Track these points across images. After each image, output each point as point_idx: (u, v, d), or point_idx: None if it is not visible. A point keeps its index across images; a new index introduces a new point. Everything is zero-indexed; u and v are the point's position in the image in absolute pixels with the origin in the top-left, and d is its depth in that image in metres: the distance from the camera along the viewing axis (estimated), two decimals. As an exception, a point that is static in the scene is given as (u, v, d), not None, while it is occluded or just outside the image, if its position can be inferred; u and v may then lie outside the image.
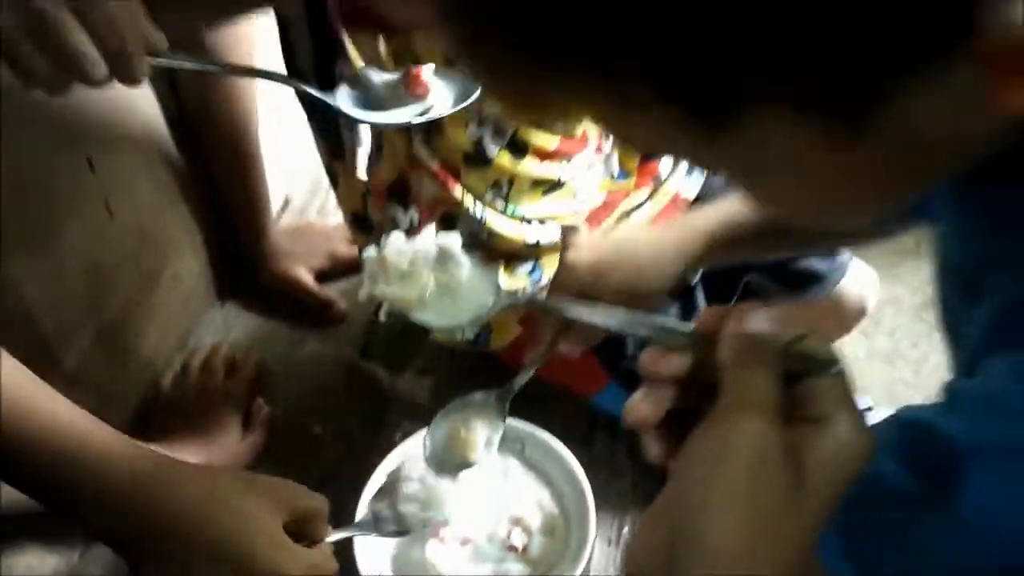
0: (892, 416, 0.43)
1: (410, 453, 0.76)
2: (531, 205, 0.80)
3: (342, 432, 0.92)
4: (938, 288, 0.51)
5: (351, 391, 0.95)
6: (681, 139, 0.34)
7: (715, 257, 0.74)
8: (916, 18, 0.28)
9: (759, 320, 0.40)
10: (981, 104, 0.30)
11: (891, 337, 1.34)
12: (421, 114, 0.64)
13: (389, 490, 0.72)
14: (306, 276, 1.04)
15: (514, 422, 0.76)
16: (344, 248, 1.06)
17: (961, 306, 0.47)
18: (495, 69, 0.36)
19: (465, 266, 0.58)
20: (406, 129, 0.75)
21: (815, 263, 0.97)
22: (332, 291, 1.04)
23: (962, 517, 0.37)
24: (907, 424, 0.41)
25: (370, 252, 0.58)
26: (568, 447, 0.77)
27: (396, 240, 0.58)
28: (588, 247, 0.71)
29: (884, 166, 0.35)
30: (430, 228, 0.58)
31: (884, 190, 0.39)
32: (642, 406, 0.42)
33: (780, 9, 0.28)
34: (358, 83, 0.65)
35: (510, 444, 0.79)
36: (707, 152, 0.37)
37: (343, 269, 1.06)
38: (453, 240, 0.58)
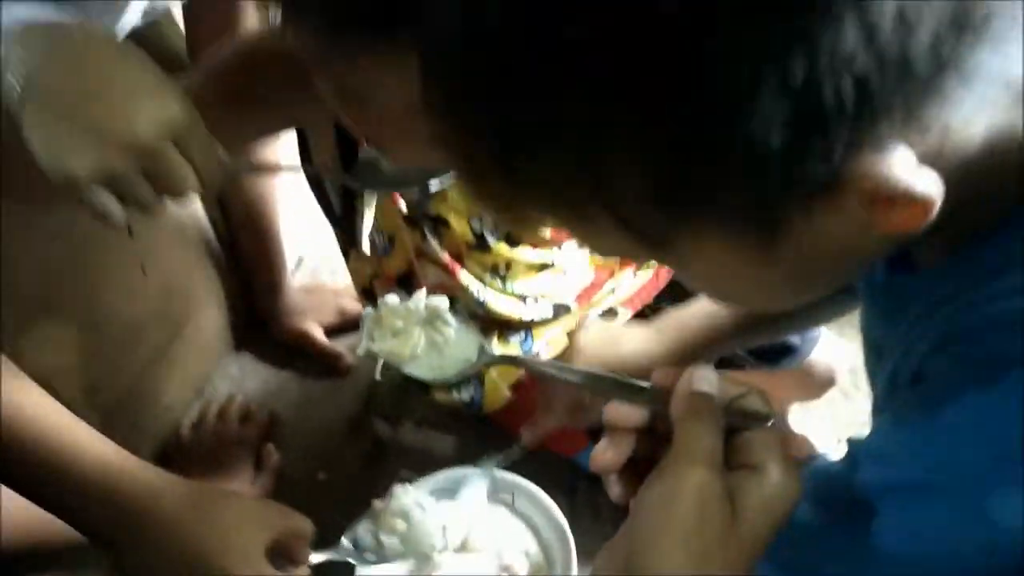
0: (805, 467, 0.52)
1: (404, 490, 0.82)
2: (527, 282, 0.89)
3: (344, 478, 1.00)
4: (864, 351, 0.60)
5: (354, 440, 1.04)
6: (635, 251, 0.43)
7: (704, 355, 0.83)
8: (795, 172, 0.37)
9: (705, 380, 0.48)
10: (868, 224, 0.38)
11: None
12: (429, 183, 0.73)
13: (374, 519, 0.77)
14: (316, 331, 1.12)
15: (505, 475, 0.84)
16: (352, 306, 1.14)
17: (873, 368, 0.56)
18: (471, 180, 0.45)
19: (452, 325, 0.67)
20: (417, 226, 0.85)
21: (788, 336, 1.05)
22: (340, 345, 1.12)
23: (875, 544, 0.45)
24: (816, 472, 0.49)
25: (368, 311, 0.66)
26: (553, 497, 0.85)
27: (391, 301, 0.66)
28: (593, 339, 0.78)
29: (798, 270, 0.44)
30: (421, 291, 0.67)
31: (802, 287, 0.48)
32: (606, 453, 0.50)
33: (702, 162, 0.37)
34: (374, 166, 0.74)
35: (501, 496, 0.87)
36: (659, 260, 0.46)
37: (351, 325, 1.14)
38: (441, 301, 0.66)
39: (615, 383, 0.53)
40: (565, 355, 0.79)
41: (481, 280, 0.87)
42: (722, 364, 1.05)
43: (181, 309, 1.01)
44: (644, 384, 0.50)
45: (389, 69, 0.53)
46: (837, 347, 1.10)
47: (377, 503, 0.76)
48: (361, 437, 1.03)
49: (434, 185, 0.73)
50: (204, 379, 1.08)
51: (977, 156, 0.40)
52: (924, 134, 0.36)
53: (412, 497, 0.75)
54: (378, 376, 0.70)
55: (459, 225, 0.84)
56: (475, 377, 0.93)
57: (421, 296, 0.66)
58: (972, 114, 0.38)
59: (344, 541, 0.76)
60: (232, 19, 1.00)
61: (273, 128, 0.79)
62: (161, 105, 0.56)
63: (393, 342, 0.66)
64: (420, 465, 0.86)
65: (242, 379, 1.10)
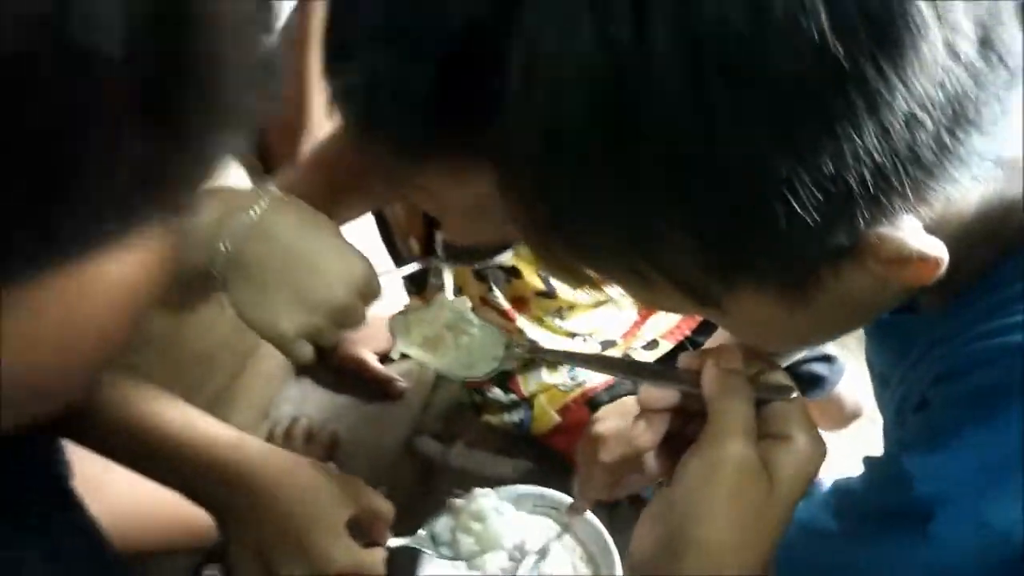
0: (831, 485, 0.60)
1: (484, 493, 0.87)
2: (581, 319, 0.97)
3: (397, 496, 1.08)
4: (871, 380, 0.68)
5: (407, 459, 1.12)
6: (685, 307, 0.51)
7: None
8: (824, 242, 0.44)
9: (731, 358, 0.55)
10: (885, 279, 0.46)
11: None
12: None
13: (454, 516, 0.83)
14: (371, 357, 1.21)
15: (549, 491, 0.92)
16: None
17: (880, 395, 0.63)
18: (543, 254, 0.52)
19: (476, 324, 0.73)
20: (484, 279, 0.94)
21: (816, 367, 1.13)
22: (393, 371, 1.21)
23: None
24: (837, 488, 0.57)
25: (395, 316, 0.72)
26: (595, 513, 0.91)
27: (416, 305, 0.74)
28: (611, 425, 0.83)
29: (826, 317, 0.52)
30: (443, 295, 0.74)
31: (828, 331, 0.56)
32: (644, 434, 0.57)
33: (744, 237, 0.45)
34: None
35: (548, 510, 0.94)
36: (703, 313, 0.53)
37: (403, 354, 1.23)
38: (463, 303, 0.73)
39: (646, 368, 0.60)
40: (587, 445, 0.83)
41: (540, 321, 0.96)
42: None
43: (249, 339, 1.10)
44: (674, 367, 0.57)
45: (457, 173, 0.61)
46: (863, 379, 1.18)
47: (458, 502, 0.82)
48: (414, 457, 1.12)
49: (503, 258, 0.81)
50: (269, 403, 1.17)
51: (973, 221, 0.49)
52: (930, 206, 0.45)
53: (491, 501, 0.82)
54: (394, 355, 0.76)
55: (529, 275, 0.93)
56: (525, 401, 1.02)
57: (444, 299, 0.73)
58: (968, 188, 0.46)
59: (422, 532, 0.81)
60: (301, 119, 1.11)
61: (365, 210, 0.89)
62: (351, 266, 0.66)
63: (423, 343, 0.73)
64: (470, 484, 0.93)
65: (303, 402, 1.19)
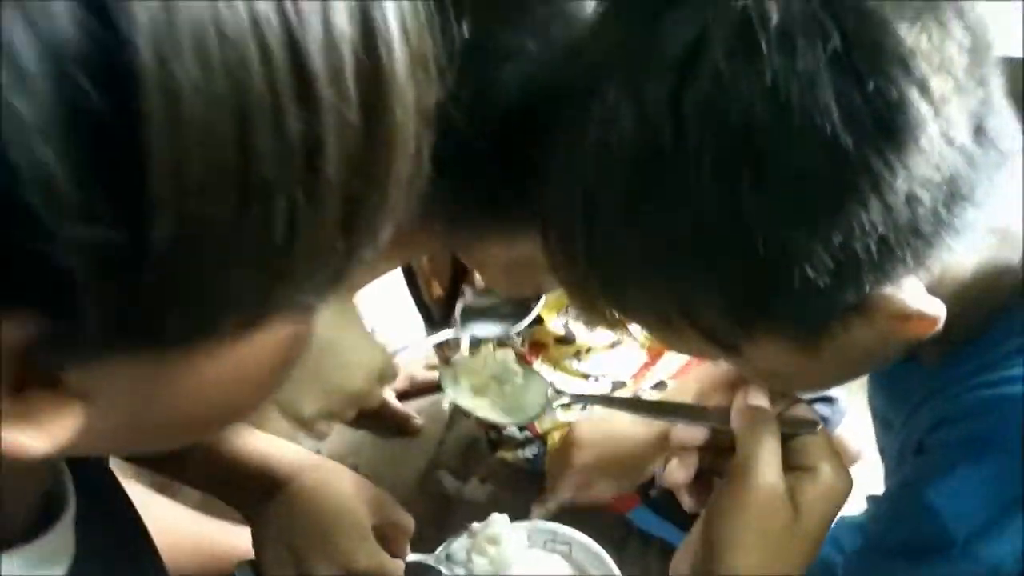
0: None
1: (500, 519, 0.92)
2: (596, 360, 1.02)
3: (415, 527, 1.12)
4: (872, 424, 0.73)
5: (423, 493, 1.16)
6: (707, 352, 0.57)
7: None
8: (835, 300, 0.50)
9: (758, 395, 0.60)
10: (889, 333, 0.52)
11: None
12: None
13: (472, 538, 0.88)
14: (389, 395, 1.25)
15: (562, 528, 0.96)
16: (421, 374, 1.29)
17: (881, 438, 0.69)
18: (580, 302, 0.58)
19: (519, 373, 0.79)
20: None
21: (818, 407, 1.17)
22: (410, 408, 1.25)
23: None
24: (843, 525, 0.62)
25: (444, 369, 0.79)
26: (605, 549, 0.95)
27: (463, 359, 0.79)
28: (589, 428, 0.91)
29: (836, 365, 0.57)
30: (488, 348, 0.80)
31: (837, 377, 0.62)
32: (678, 472, 0.62)
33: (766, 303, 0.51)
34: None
35: (559, 546, 0.99)
36: (723, 358, 0.59)
37: (419, 391, 1.28)
38: (507, 355, 0.78)
39: (680, 408, 0.65)
40: (563, 449, 0.90)
41: (556, 364, 1.01)
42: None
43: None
44: (703, 407, 0.62)
45: (506, 235, 0.66)
46: (863, 421, 1.23)
47: (476, 525, 0.88)
48: (430, 491, 1.16)
49: (520, 327, 0.87)
50: (292, 437, 1.21)
51: (969, 283, 0.55)
52: (929, 270, 0.50)
53: (505, 527, 0.87)
54: (445, 405, 0.83)
55: (550, 322, 0.99)
56: (539, 438, 1.07)
57: (489, 352, 0.79)
58: (964, 255, 0.52)
59: (439, 551, 0.87)
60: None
61: (405, 262, 0.95)
62: (373, 357, 0.72)
63: (469, 393, 0.79)
64: (485, 517, 0.98)
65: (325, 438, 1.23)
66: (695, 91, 0.46)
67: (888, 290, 0.50)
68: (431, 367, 1.27)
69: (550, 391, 0.78)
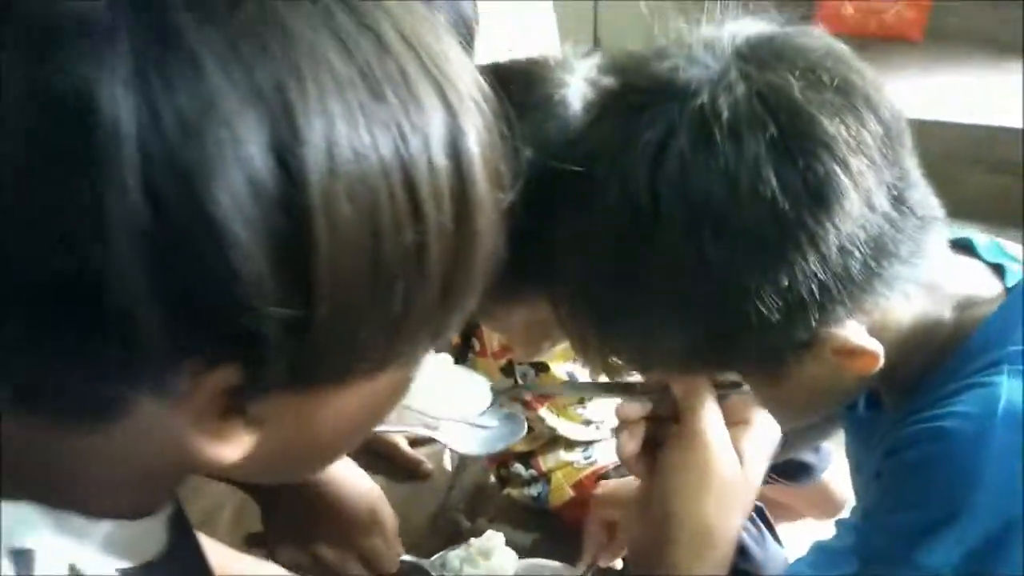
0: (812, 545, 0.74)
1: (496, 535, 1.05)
2: (598, 406, 1.13)
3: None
4: (848, 467, 0.83)
5: (434, 534, 1.25)
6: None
7: None
8: (787, 338, 0.61)
9: None
10: (840, 367, 0.62)
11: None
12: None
13: (465, 549, 0.99)
14: (402, 442, 1.35)
15: (560, 565, 1.05)
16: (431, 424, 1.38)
17: (855, 479, 0.79)
18: (582, 351, 0.70)
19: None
20: (511, 374, 1.11)
21: (806, 455, 1.27)
22: (421, 454, 1.35)
23: None
24: (814, 547, 0.72)
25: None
26: None
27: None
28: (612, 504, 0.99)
29: (801, 396, 0.68)
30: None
31: (802, 409, 0.72)
32: (628, 444, 0.72)
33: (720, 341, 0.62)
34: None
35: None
36: None
37: (429, 439, 1.37)
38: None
39: (621, 386, 0.75)
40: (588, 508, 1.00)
41: (561, 411, 1.11)
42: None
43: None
44: (645, 382, 0.72)
45: (524, 302, 0.78)
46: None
47: (473, 540, 0.99)
48: (440, 530, 1.25)
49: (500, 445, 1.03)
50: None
51: (907, 334, 0.65)
52: (868, 315, 0.61)
53: (497, 542, 0.99)
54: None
55: (555, 369, 1.09)
56: (543, 476, 1.16)
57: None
58: (900, 305, 0.63)
59: (434, 558, 1.01)
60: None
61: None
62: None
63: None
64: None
65: (340, 480, 1.33)
66: (666, 172, 0.59)
67: (833, 329, 0.61)
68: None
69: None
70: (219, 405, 0.43)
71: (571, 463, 1.17)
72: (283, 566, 0.95)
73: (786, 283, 0.58)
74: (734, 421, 0.68)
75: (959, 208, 2.07)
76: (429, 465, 1.35)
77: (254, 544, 1.00)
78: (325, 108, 0.39)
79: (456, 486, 1.32)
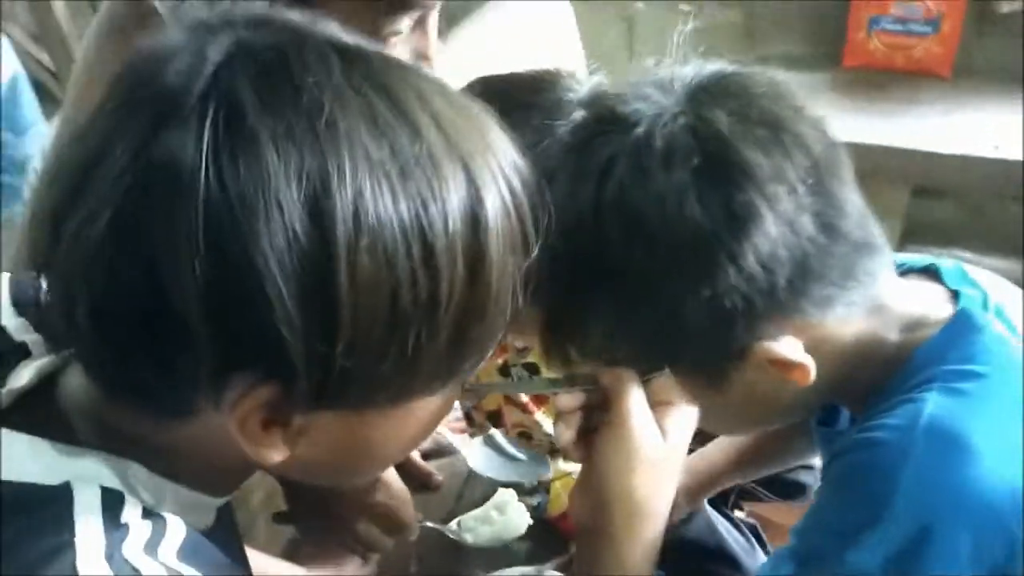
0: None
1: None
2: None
3: (432, 572, 1.29)
4: None
5: (441, 542, 1.33)
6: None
7: (709, 492, 1.13)
8: (722, 347, 0.69)
9: None
10: (778, 378, 0.70)
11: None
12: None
13: (483, 510, 1.11)
14: (414, 453, 1.43)
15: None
16: (444, 438, 1.46)
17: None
18: (552, 355, 0.78)
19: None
20: (509, 376, 1.20)
21: (800, 475, 1.32)
22: (432, 466, 1.43)
23: None
24: (773, 554, 0.78)
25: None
26: None
27: None
28: None
29: (745, 404, 0.75)
30: None
31: (750, 419, 0.79)
32: (565, 432, 0.79)
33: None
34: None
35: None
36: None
37: (442, 452, 1.46)
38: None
39: (554, 381, 0.83)
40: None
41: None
42: (745, 497, 1.33)
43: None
44: (576, 375, 0.80)
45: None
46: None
47: (488, 503, 1.12)
48: (447, 539, 1.33)
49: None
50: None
51: (851, 350, 0.73)
52: (804, 332, 0.68)
53: (511, 499, 1.10)
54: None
55: (547, 373, 1.17)
56: (542, 486, 1.24)
57: None
58: (839, 323, 0.70)
59: (452, 524, 1.16)
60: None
61: None
62: None
63: None
64: (496, 560, 1.15)
65: (354, 488, 1.41)
66: (608, 193, 0.69)
67: (767, 343, 0.68)
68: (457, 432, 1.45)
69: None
70: (261, 416, 0.55)
71: (569, 473, 1.24)
72: (307, 536, 1.12)
73: (709, 294, 0.66)
74: (658, 402, 0.75)
75: (988, 241, 2.12)
76: (439, 476, 1.43)
77: (281, 521, 1.13)
78: (356, 183, 0.51)
79: (465, 495, 1.40)
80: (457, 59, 1.03)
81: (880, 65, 2.30)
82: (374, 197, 0.51)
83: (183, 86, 0.51)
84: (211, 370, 0.52)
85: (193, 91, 0.51)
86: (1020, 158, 2.02)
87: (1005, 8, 2.17)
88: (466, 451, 1.06)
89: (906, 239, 2.20)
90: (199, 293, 0.50)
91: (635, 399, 0.74)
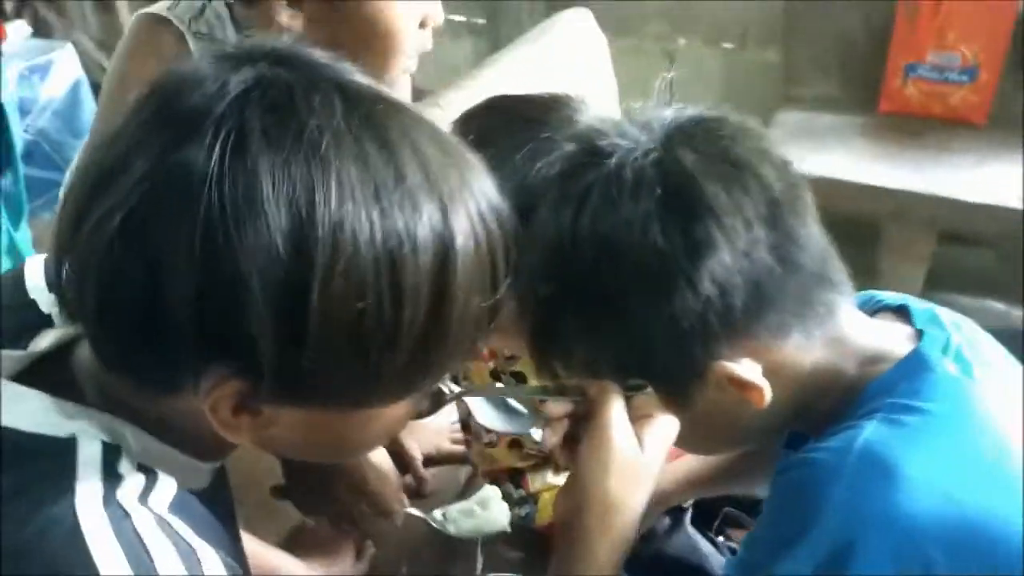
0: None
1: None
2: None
3: (422, 573, 1.35)
4: None
5: (432, 543, 1.38)
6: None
7: (684, 497, 1.18)
8: (681, 366, 0.74)
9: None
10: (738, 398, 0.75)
11: None
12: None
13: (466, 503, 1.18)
14: (417, 454, 1.47)
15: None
16: (447, 445, 1.52)
17: None
18: (536, 358, 0.84)
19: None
20: (498, 378, 1.25)
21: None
22: (428, 472, 1.48)
23: None
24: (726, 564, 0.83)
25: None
26: None
27: None
28: None
29: (708, 424, 0.80)
30: None
31: (718, 439, 0.84)
32: (552, 437, 0.85)
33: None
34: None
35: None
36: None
37: (441, 460, 1.52)
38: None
39: (546, 388, 0.88)
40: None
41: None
42: (729, 523, 1.36)
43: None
44: (565, 385, 0.85)
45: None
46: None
47: (473, 498, 1.19)
48: (439, 541, 1.38)
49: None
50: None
51: (808, 378, 0.78)
52: (761, 356, 0.74)
53: (494, 494, 1.17)
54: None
55: (532, 380, 1.23)
56: (531, 497, 1.29)
57: None
58: (797, 351, 0.75)
59: (436, 512, 1.24)
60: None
61: None
62: None
63: None
64: (485, 570, 1.20)
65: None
66: (583, 218, 0.75)
67: (726, 363, 0.74)
68: (455, 441, 1.50)
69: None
70: (231, 403, 0.63)
71: (558, 485, 1.29)
72: (302, 508, 1.20)
73: (670, 315, 0.72)
74: (638, 416, 0.81)
75: (1017, 291, 2.09)
76: (432, 484, 1.47)
77: (278, 495, 1.21)
78: (339, 214, 0.58)
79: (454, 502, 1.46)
80: (487, 91, 1.10)
81: (916, 112, 2.33)
82: (353, 229, 0.58)
83: (204, 108, 0.59)
84: (192, 359, 0.61)
85: (212, 114, 0.58)
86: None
87: (1043, 57, 2.18)
88: (472, 405, 1.11)
89: (933, 285, 2.21)
90: (190, 291, 0.57)
91: (616, 410, 0.80)
